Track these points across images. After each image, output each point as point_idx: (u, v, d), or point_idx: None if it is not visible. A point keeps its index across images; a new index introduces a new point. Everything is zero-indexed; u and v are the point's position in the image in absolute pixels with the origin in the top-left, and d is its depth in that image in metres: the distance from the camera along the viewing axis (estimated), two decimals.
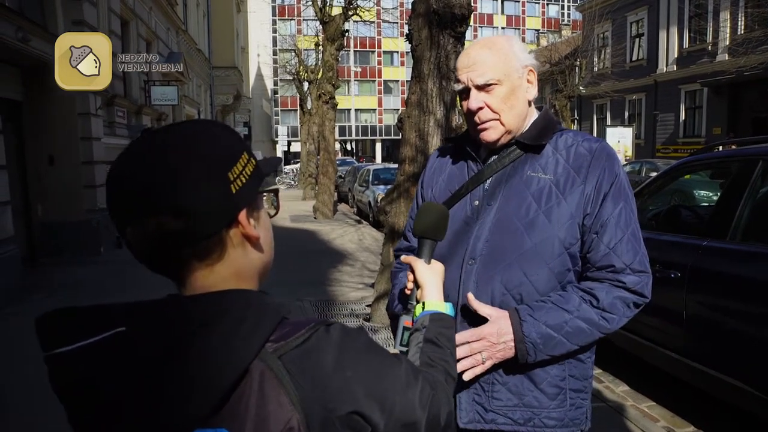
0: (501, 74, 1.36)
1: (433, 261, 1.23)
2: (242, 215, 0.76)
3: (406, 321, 1.15)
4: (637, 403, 3.79)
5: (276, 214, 0.89)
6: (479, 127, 1.41)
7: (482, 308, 1.33)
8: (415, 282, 1.21)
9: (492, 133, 1.40)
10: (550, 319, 1.31)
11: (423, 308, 1.12)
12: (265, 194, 0.85)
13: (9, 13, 7.36)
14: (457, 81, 1.41)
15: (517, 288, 1.35)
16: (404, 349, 1.09)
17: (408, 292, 1.24)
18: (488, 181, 1.43)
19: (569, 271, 1.37)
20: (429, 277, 1.18)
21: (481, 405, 1.40)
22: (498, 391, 1.38)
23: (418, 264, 1.21)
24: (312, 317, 0.79)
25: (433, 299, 1.14)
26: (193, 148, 0.74)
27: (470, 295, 1.33)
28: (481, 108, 1.38)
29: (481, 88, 1.37)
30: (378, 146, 61.86)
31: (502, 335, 1.31)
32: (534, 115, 1.47)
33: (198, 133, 0.77)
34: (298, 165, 29.65)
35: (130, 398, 0.66)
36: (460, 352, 1.29)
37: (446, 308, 1.12)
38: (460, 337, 1.30)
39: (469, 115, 1.40)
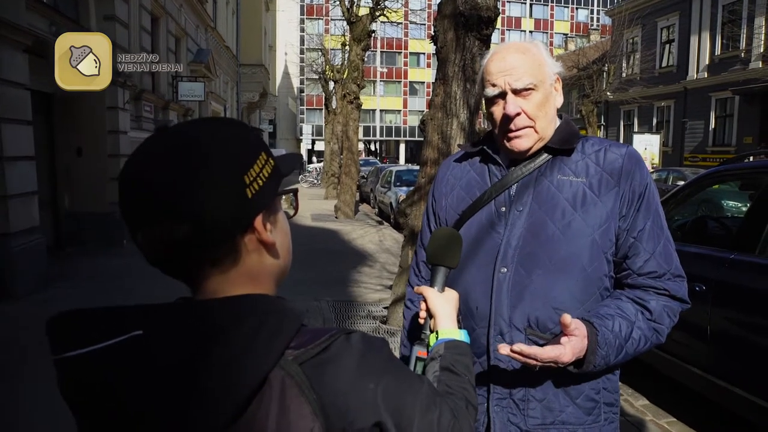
0: (537, 80, 1.33)
1: (446, 289, 1.20)
2: (258, 221, 0.73)
3: (419, 351, 1.11)
4: (656, 418, 3.70)
5: (295, 214, 0.86)
6: (513, 134, 1.35)
7: (579, 329, 1.21)
8: (428, 311, 1.17)
9: (526, 141, 1.36)
10: (619, 330, 1.27)
11: (437, 337, 1.09)
12: (283, 195, 0.81)
13: (44, 8, 7.52)
14: (493, 85, 1.35)
15: (556, 296, 1.30)
16: None
17: (421, 321, 1.20)
18: (514, 186, 1.39)
19: (606, 276, 1.34)
20: (442, 306, 1.15)
21: (516, 425, 1.33)
22: (534, 409, 1.33)
23: (431, 293, 1.18)
24: (331, 326, 0.76)
25: (447, 327, 1.11)
26: (206, 150, 0.70)
27: (566, 316, 1.19)
28: (518, 114, 1.33)
29: (518, 92, 1.33)
30: (402, 147, 61.80)
31: (577, 354, 1.22)
32: (557, 122, 1.44)
33: (213, 133, 0.73)
34: (321, 164, 29.76)
35: (153, 407, 0.64)
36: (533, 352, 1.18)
37: (461, 335, 1.09)
38: (531, 350, 1.17)
39: (506, 121, 1.35)
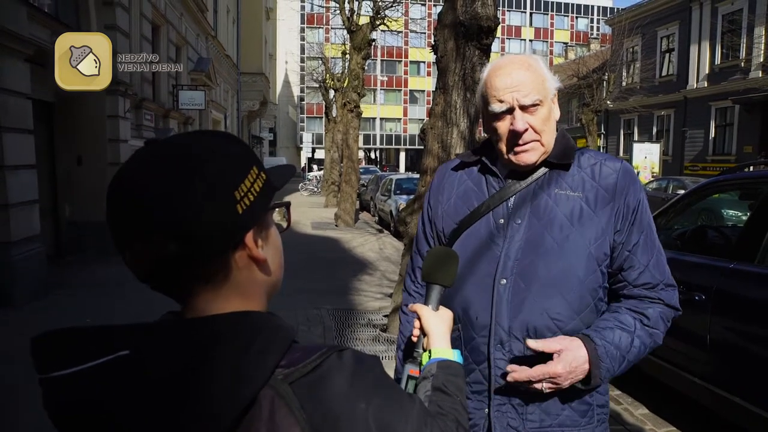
0: (542, 96, 1.36)
1: (441, 308, 1.21)
2: (249, 237, 0.72)
3: (411, 370, 1.11)
4: (656, 427, 3.69)
5: (287, 227, 0.84)
6: (520, 148, 1.38)
7: (550, 346, 1.27)
8: (422, 329, 1.17)
9: (532, 156, 1.38)
10: (619, 341, 1.32)
11: (430, 356, 1.08)
12: (275, 209, 0.81)
13: (45, 17, 7.56)
14: (500, 101, 1.37)
15: (553, 307, 1.34)
16: None
17: (414, 339, 1.21)
18: (512, 199, 1.41)
19: (600, 287, 1.38)
20: (436, 325, 1.15)
21: (515, 429, 1.37)
22: (532, 413, 1.37)
23: (425, 311, 1.18)
24: (322, 344, 0.76)
25: (440, 347, 1.10)
26: (196, 165, 0.68)
27: (531, 341, 1.28)
28: (526, 129, 1.36)
29: (525, 108, 1.35)
30: (402, 155, 61.89)
31: (574, 367, 1.27)
32: (554, 135, 1.46)
33: (203, 147, 0.72)
34: (321, 172, 29.80)
35: (144, 424, 0.63)
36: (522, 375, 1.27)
37: (454, 355, 1.09)
38: (523, 374, 1.26)
39: (513, 136, 1.37)
